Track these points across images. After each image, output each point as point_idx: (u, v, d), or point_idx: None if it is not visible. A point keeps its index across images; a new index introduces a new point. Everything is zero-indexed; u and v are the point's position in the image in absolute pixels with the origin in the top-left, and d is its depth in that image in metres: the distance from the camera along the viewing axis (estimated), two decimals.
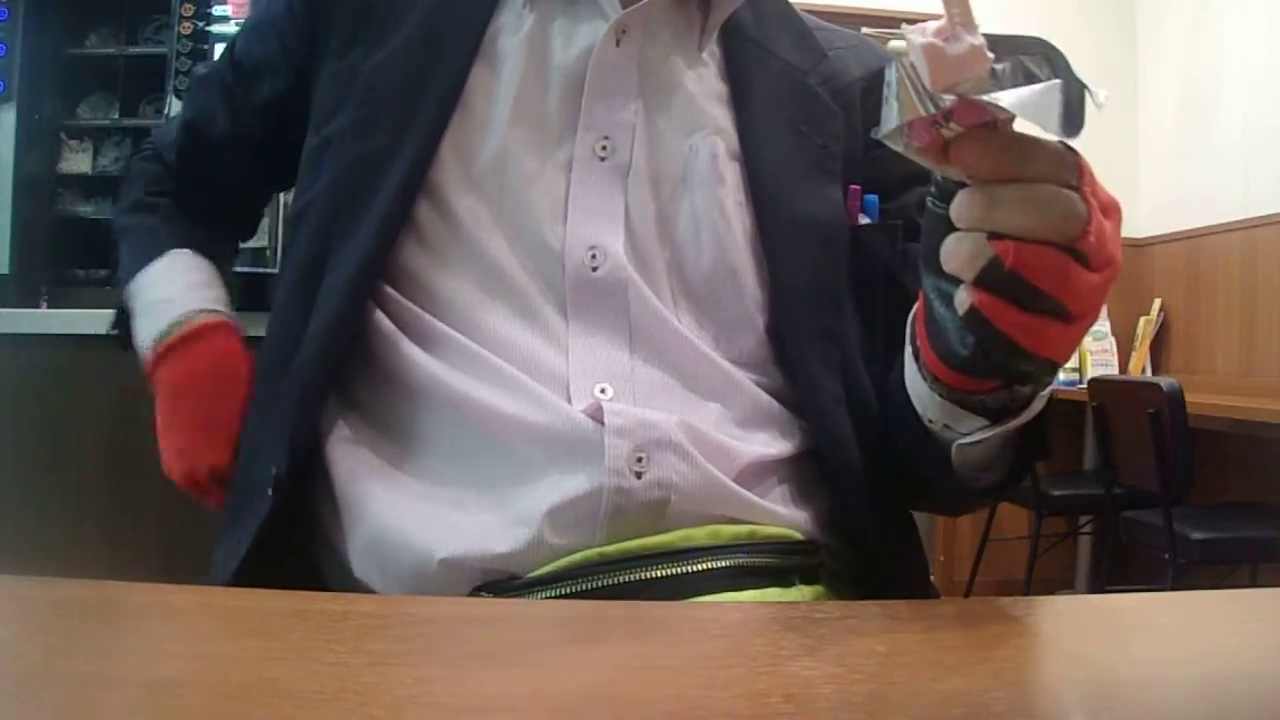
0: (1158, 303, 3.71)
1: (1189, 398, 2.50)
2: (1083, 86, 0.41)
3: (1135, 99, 3.89)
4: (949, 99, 0.42)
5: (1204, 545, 2.43)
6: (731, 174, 0.69)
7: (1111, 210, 0.47)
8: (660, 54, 0.70)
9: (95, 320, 1.92)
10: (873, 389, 0.69)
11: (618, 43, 0.68)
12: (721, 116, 0.70)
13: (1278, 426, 2.47)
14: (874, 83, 0.76)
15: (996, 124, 0.44)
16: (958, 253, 0.46)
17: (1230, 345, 3.39)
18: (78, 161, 2.76)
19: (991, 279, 0.45)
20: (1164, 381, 2.54)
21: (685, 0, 0.71)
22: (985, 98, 0.41)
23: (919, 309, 0.56)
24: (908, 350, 0.60)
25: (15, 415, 2.00)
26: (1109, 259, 0.46)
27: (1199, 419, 2.57)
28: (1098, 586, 3.57)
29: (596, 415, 0.59)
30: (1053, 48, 0.43)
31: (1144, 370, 3.64)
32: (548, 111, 0.67)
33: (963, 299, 0.47)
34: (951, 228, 0.47)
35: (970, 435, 0.58)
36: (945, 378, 0.55)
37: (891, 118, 0.45)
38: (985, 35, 0.42)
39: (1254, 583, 2.66)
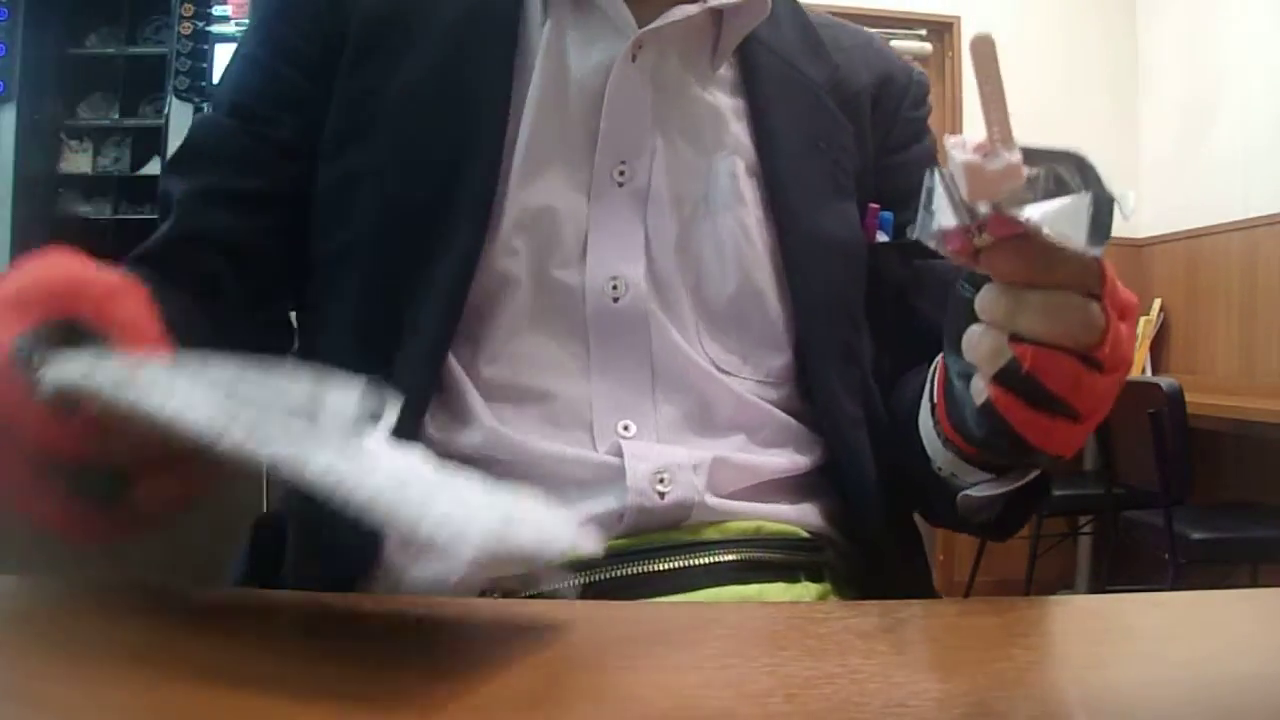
0: (1158, 303, 3.71)
1: (1189, 398, 2.50)
2: (1111, 198, 0.43)
3: (1135, 98, 3.89)
4: (984, 209, 0.44)
5: (1204, 545, 2.43)
6: (751, 191, 0.68)
7: (1129, 312, 0.49)
8: (673, 70, 0.68)
9: None
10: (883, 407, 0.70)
11: (633, 58, 0.66)
12: (740, 132, 0.69)
13: (1278, 426, 2.47)
14: (882, 90, 0.76)
15: (1026, 233, 0.45)
16: (979, 348, 0.48)
17: (1230, 345, 3.39)
18: (78, 161, 2.76)
19: (1008, 378, 0.47)
20: (1164, 381, 2.54)
21: (700, 19, 0.69)
22: (1018, 214, 0.43)
23: (939, 373, 0.57)
24: (924, 403, 0.61)
25: None
26: (1121, 360, 0.48)
27: (1199, 419, 2.57)
28: (1098, 586, 3.57)
29: (617, 453, 0.60)
30: (1085, 158, 0.44)
31: (1144, 370, 3.64)
32: (566, 137, 0.65)
33: (979, 390, 0.49)
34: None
35: (975, 488, 0.59)
36: (959, 444, 0.56)
37: (929, 224, 0.48)
38: (1022, 148, 0.44)
39: (1254, 583, 2.66)
